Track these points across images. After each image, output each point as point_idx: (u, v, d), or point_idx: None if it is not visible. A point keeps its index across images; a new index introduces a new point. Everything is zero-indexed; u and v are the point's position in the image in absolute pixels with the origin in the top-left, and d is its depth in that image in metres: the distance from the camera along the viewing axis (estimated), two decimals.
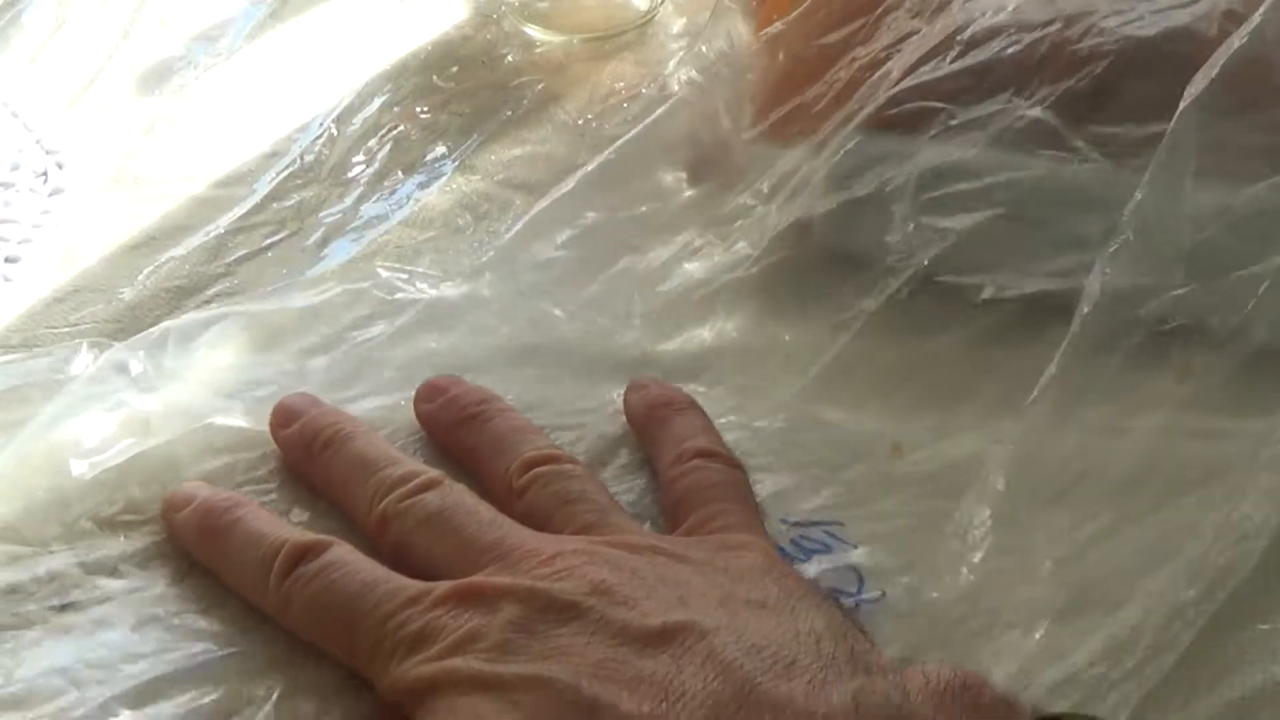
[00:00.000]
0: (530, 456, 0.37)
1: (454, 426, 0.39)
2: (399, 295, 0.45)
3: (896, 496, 0.38)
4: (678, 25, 0.58)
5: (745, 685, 0.28)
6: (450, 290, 0.45)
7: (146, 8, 0.61)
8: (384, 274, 0.45)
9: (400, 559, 0.34)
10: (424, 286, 0.45)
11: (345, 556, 0.33)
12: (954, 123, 0.43)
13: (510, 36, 0.58)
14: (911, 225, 0.43)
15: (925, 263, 0.43)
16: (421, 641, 0.31)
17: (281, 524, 0.36)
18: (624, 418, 0.40)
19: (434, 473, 0.36)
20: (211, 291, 0.47)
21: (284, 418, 0.39)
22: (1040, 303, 0.42)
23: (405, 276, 0.45)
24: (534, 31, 0.58)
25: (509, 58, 0.57)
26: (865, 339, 0.43)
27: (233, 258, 0.48)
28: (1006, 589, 0.35)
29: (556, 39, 0.58)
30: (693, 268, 0.46)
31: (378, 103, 0.55)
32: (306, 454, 0.38)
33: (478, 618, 0.31)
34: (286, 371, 0.42)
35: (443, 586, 0.32)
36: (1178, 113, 0.38)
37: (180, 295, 0.47)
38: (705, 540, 0.35)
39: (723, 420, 0.40)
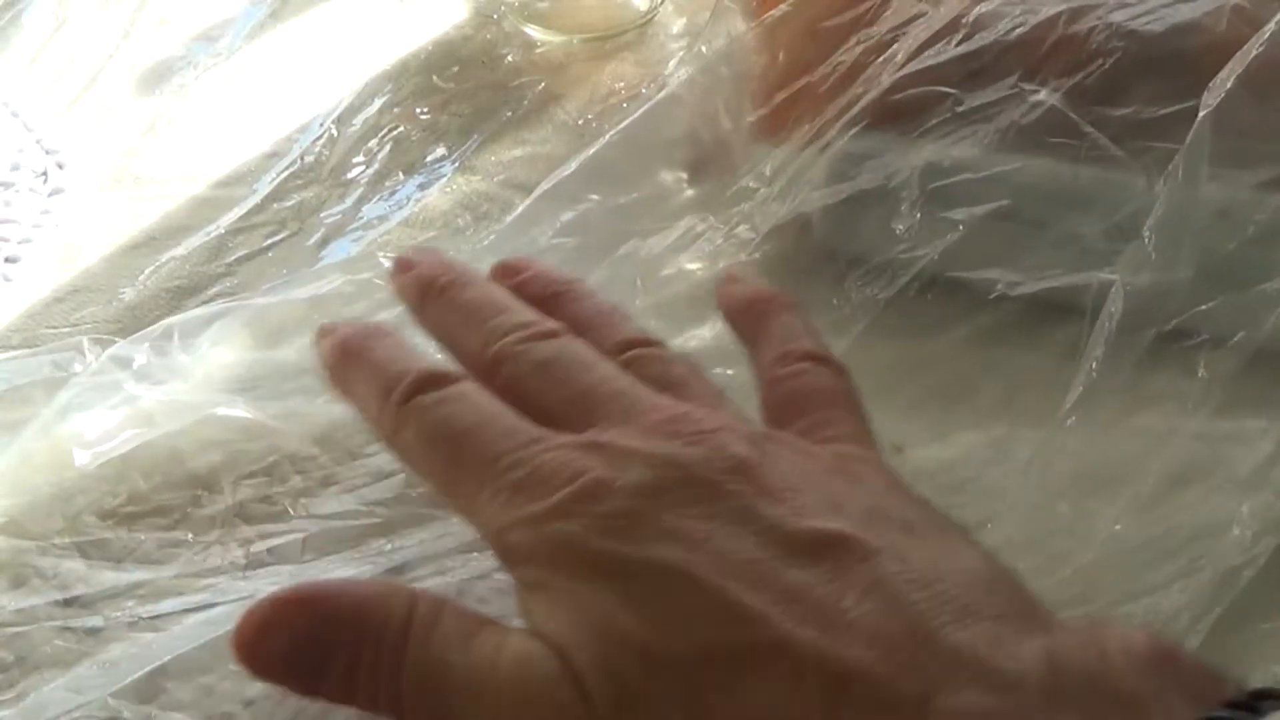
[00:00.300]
0: (629, 337, 0.33)
1: (539, 303, 0.35)
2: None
3: None
4: (678, 25, 0.58)
5: (919, 627, 0.24)
6: None
7: (146, 8, 0.61)
8: (387, 264, 0.45)
9: (512, 403, 0.31)
10: None
11: (471, 391, 0.30)
12: (960, 109, 0.43)
13: (510, 36, 0.58)
14: (913, 222, 0.43)
15: (926, 261, 0.43)
16: (529, 489, 0.27)
17: (418, 354, 0.33)
18: None
19: (556, 323, 0.33)
20: (212, 291, 0.47)
21: (403, 266, 0.36)
22: (1041, 302, 0.42)
23: None
24: (534, 31, 0.58)
25: (509, 58, 0.57)
26: (865, 338, 0.43)
27: (233, 258, 0.48)
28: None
29: (556, 39, 0.58)
30: (693, 267, 0.46)
31: (378, 103, 0.55)
32: (422, 298, 0.35)
33: (595, 474, 0.27)
34: (289, 364, 0.42)
35: (564, 437, 0.28)
36: (1196, 121, 0.37)
37: (181, 295, 0.47)
38: (827, 446, 0.30)
39: None
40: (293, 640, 0.27)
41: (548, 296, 0.35)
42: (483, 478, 0.28)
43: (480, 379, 0.32)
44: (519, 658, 0.26)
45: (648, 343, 0.33)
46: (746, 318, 0.36)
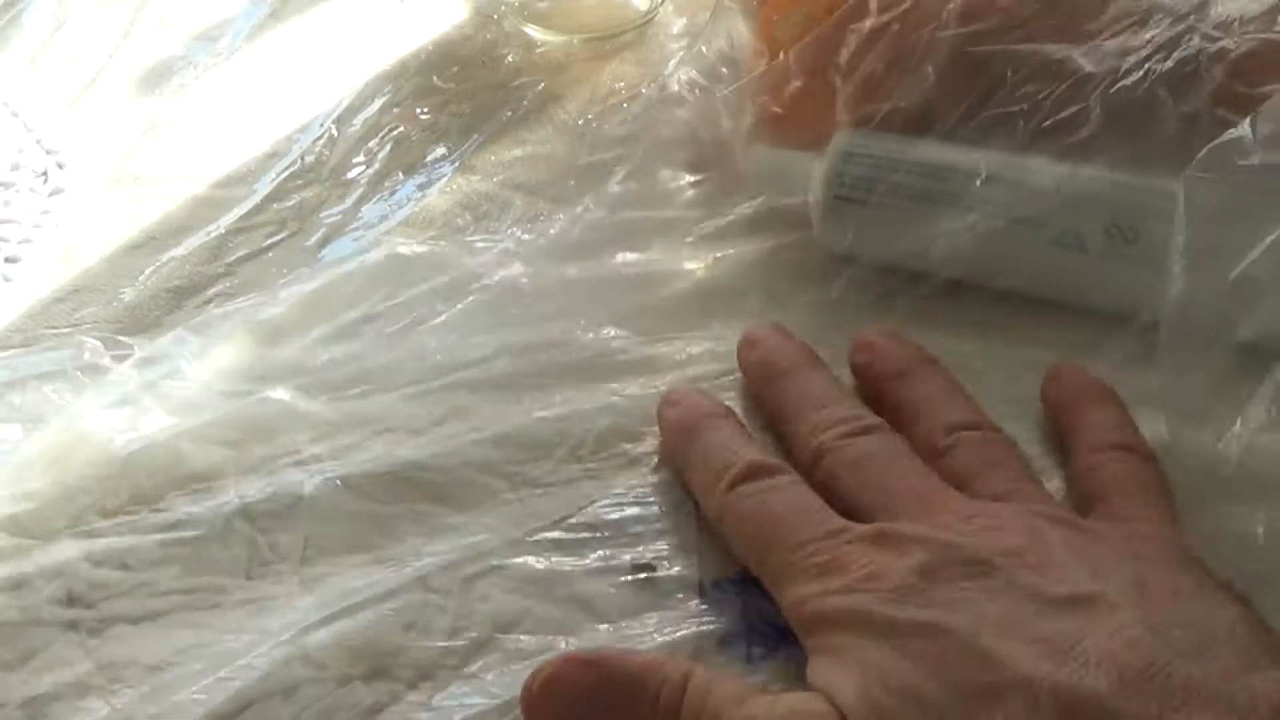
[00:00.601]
0: (957, 420, 0.37)
1: (885, 380, 0.39)
2: (399, 298, 0.45)
3: None
4: (678, 25, 0.58)
5: (1154, 661, 0.27)
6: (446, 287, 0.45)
7: (146, 8, 0.61)
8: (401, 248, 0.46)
9: (828, 496, 0.35)
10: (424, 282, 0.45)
11: (788, 484, 0.35)
12: (955, 117, 0.43)
13: (510, 36, 0.58)
14: (913, 222, 0.43)
15: (926, 261, 0.43)
16: (827, 572, 0.32)
17: (749, 442, 0.37)
18: (621, 416, 0.40)
19: (876, 419, 0.37)
20: (212, 291, 0.47)
21: (751, 343, 0.41)
22: (1042, 302, 0.43)
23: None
24: (534, 31, 0.58)
25: (509, 58, 0.57)
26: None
27: (233, 258, 0.48)
28: None
29: (556, 39, 0.58)
30: (693, 267, 0.46)
31: (378, 103, 0.55)
32: (765, 379, 0.40)
33: (885, 559, 0.31)
34: (288, 366, 0.42)
35: (861, 528, 0.33)
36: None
37: (180, 295, 0.47)
38: (1119, 526, 0.34)
39: None
40: (576, 695, 0.31)
41: (893, 374, 0.39)
42: (790, 560, 0.33)
43: (805, 466, 0.36)
44: (792, 706, 0.30)
45: (974, 425, 0.37)
46: (1070, 410, 0.39)
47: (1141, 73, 0.42)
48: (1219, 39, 0.42)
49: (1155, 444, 0.37)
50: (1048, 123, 0.43)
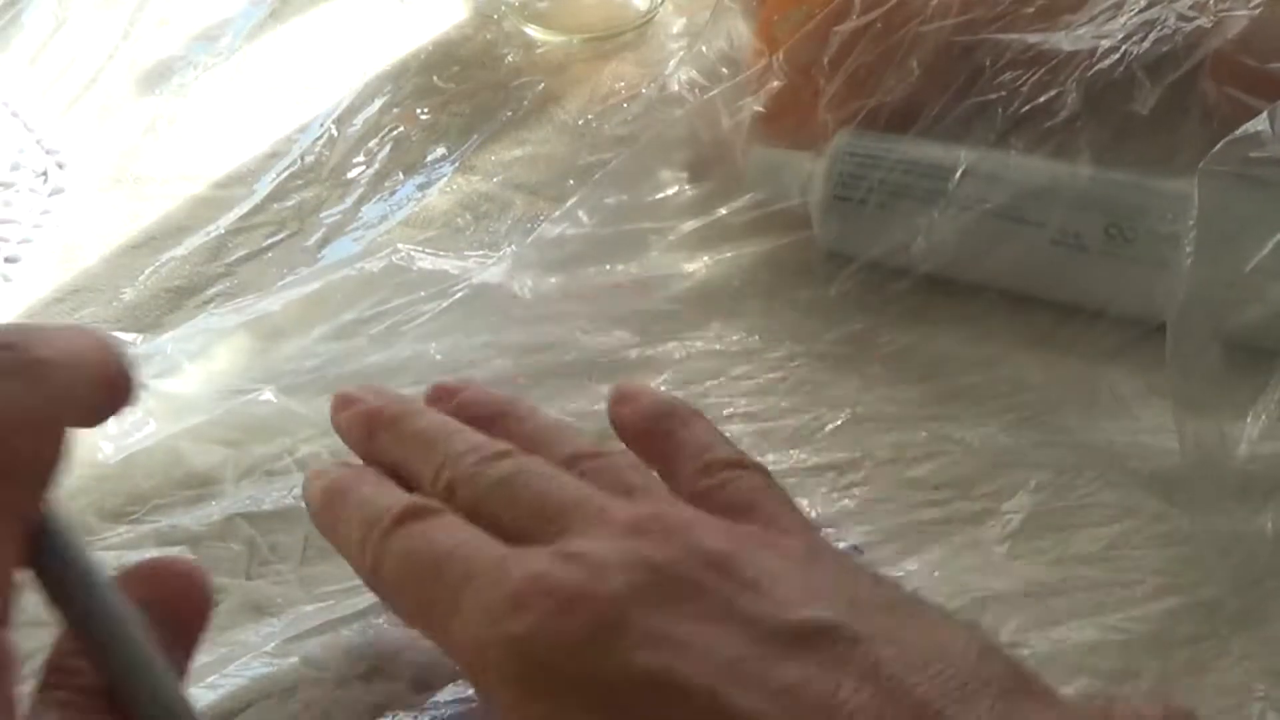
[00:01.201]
0: (578, 450, 0.33)
1: (485, 423, 0.35)
2: (398, 299, 0.45)
3: (899, 496, 0.39)
4: (678, 25, 0.58)
5: (924, 710, 0.24)
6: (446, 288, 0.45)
7: (146, 8, 0.61)
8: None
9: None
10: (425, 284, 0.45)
11: (452, 520, 0.30)
12: (952, 117, 0.43)
13: (510, 36, 0.58)
14: (913, 222, 0.43)
15: (926, 261, 0.43)
16: (508, 607, 0.26)
17: (401, 492, 0.32)
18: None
19: (504, 444, 0.32)
20: (211, 291, 0.47)
21: (343, 402, 0.36)
22: (1042, 302, 0.43)
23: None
24: (534, 31, 0.58)
25: (509, 58, 0.57)
26: (866, 338, 0.43)
27: (233, 258, 0.48)
28: None
29: (556, 39, 0.58)
30: (693, 268, 0.46)
31: (378, 103, 0.55)
32: (368, 433, 0.35)
33: (574, 585, 0.26)
34: (287, 366, 0.42)
35: (537, 549, 0.28)
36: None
37: (180, 295, 0.47)
38: (785, 539, 0.30)
39: (724, 424, 0.40)
40: None
41: (491, 417, 0.35)
42: (459, 599, 0.27)
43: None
44: None
45: (597, 454, 0.33)
46: (651, 438, 0.34)
47: (1119, 55, 0.42)
48: (1194, 19, 0.42)
49: (1163, 439, 0.37)
50: (1026, 109, 0.43)
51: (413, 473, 0.33)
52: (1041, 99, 0.43)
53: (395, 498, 0.31)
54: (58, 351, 0.24)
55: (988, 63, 0.44)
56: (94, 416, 0.25)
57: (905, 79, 0.44)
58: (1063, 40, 0.43)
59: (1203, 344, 0.36)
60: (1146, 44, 0.42)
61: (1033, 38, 0.43)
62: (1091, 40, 0.42)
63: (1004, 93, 0.43)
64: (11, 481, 0.23)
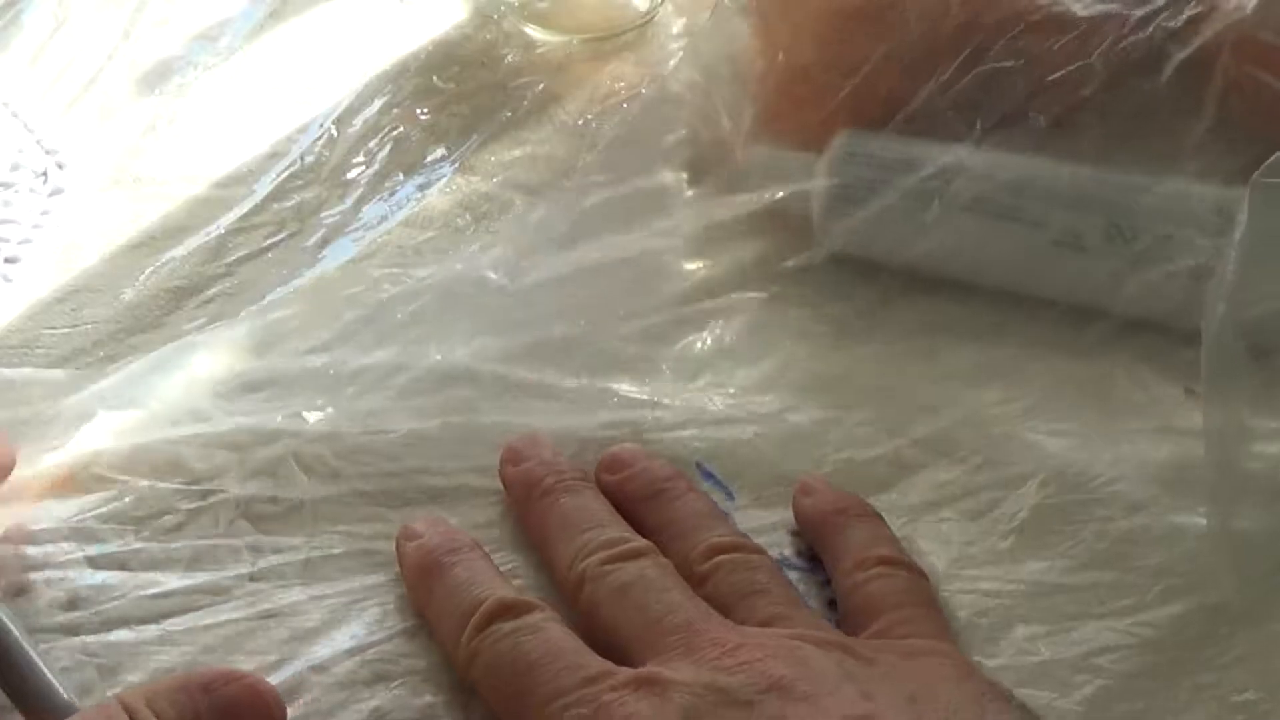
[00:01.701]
0: (715, 543, 0.35)
1: (638, 502, 0.38)
2: (398, 299, 0.45)
3: (899, 497, 0.39)
4: (678, 25, 0.58)
5: None
6: (446, 288, 0.45)
7: (146, 8, 0.60)
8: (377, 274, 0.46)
9: (590, 627, 0.33)
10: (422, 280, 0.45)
11: (542, 622, 0.32)
12: (957, 118, 0.43)
13: (510, 36, 0.58)
14: (913, 221, 0.43)
15: (926, 260, 0.43)
16: None
17: (495, 578, 0.35)
18: (619, 416, 0.40)
19: (642, 542, 0.35)
20: (211, 291, 0.47)
21: (513, 457, 0.38)
22: (1042, 302, 0.43)
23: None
24: (534, 31, 0.58)
25: (509, 58, 0.57)
26: (866, 338, 0.43)
27: (233, 258, 0.48)
28: None
29: (556, 39, 0.58)
30: (693, 267, 0.46)
31: (378, 103, 0.55)
32: (526, 498, 0.37)
33: (648, 708, 0.29)
34: (288, 366, 0.42)
35: (623, 674, 0.31)
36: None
37: (180, 295, 0.47)
38: (893, 645, 0.33)
39: (723, 425, 0.40)
40: None
41: (649, 495, 0.37)
42: (547, 712, 0.30)
43: (566, 593, 0.35)
44: None
45: (735, 547, 0.35)
46: (824, 529, 0.37)
47: (1149, 30, 0.42)
48: None
49: (1164, 438, 0.37)
50: (1050, 78, 0.42)
51: (553, 553, 0.36)
52: (1065, 70, 0.42)
53: (488, 588, 0.33)
54: None
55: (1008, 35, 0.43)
56: None
57: (904, 69, 0.44)
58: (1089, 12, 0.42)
59: (1242, 356, 0.35)
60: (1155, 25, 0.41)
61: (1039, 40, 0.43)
62: (1121, 14, 0.41)
63: (1023, 60, 0.43)
64: None
